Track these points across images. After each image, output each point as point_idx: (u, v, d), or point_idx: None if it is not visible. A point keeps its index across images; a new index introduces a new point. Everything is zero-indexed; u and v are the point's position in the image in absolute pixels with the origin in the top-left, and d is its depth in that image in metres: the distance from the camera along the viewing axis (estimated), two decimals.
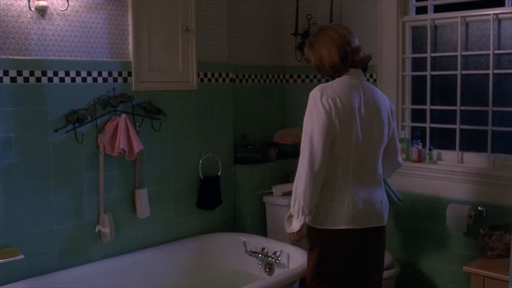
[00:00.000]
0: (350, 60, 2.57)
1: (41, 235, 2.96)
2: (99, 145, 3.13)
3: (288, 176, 3.98)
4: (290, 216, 2.57)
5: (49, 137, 2.95)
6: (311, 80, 4.31)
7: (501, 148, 3.57)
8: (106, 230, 3.15)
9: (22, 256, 2.82)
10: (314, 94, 2.50)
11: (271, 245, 3.50)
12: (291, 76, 4.37)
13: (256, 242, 3.57)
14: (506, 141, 3.57)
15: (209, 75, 3.69)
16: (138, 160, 3.28)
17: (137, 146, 3.16)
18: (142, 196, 3.31)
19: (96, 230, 3.16)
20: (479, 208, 3.52)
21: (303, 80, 4.34)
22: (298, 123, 4.31)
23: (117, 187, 3.26)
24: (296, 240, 2.60)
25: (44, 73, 2.92)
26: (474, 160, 3.66)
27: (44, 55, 2.93)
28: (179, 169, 3.55)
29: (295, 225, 2.53)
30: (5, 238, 2.82)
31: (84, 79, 3.08)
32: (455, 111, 3.70)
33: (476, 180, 3.58)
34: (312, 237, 2.60)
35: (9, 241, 2.84)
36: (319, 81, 4.27)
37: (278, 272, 3.35)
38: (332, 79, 2.61)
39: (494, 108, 3.54)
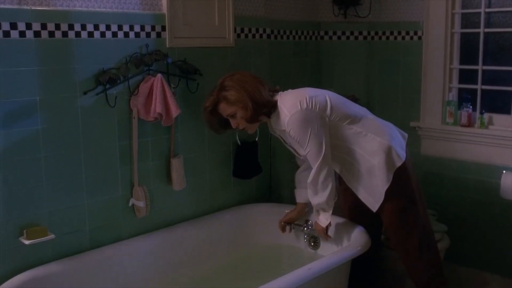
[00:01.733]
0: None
1: (71, 211, 2.63)
2: (132, 109, 2.78)
3: None
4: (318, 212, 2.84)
5: (77, 100, 2.59)
6: (348, 37, 3.96)
7: None
8: (141, 204, 2.83)
9: (53, 236, 2.50)
10: (293, 119, 2.67)
11: (314, 217, 3.19)
12: (326, 33, 4.00)
13: None
14: None
15: (246, 30, 3.32)
16: (173, 125, 2.94)
17: (175, 111, 2.81)
18: (178, 166, 2.98)
19: (130, 204, 2.84)
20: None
21: (339, 37, 3.98)
22: (333, 85, 4.01)
23: (151, 156, 2.92)
24: (327, 236, 2.89)
25: (71, 27, 2.54)
26: None
27: (70, 5, 2.54)
28: (215, 134, 3.21)
29: (326, 218, 2.80)
30: (33, 215, 2.49)
31: (114, 34, 2.70)
32: (508, 71, 3.39)
33: None
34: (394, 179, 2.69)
35: (38, 219, 2.51)
36: (356, 38, 3.93)
37: (324, 247, 3.07)
38: (262, 118, 2.80)
39: None
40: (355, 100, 3.84)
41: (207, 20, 3.09)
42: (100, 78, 2.63)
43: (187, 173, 3.05)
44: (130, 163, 2.82)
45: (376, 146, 2.69)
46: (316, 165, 2.66)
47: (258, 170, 3.40)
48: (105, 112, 2.69)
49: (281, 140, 2.92)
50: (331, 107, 2.67)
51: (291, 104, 2.64)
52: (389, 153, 2.68)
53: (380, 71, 3.88)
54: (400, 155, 2.72)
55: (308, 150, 2.65)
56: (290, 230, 3.17)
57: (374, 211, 2.75)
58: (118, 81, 2.68)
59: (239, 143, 3.31)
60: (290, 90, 2.81)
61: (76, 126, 2.60)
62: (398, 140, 2.78)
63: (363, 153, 2.71)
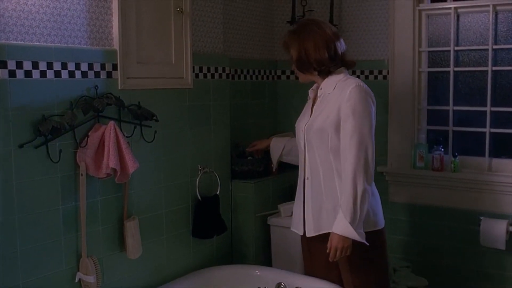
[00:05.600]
0: (340, 59, 2.44)
1: None
2: (79, 164, 2.29)
3: (293, 192, 3.30)
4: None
5: (11, 154, 2.08)
6: None
7: None
8: (90, 279, 2.32)
9: None
10: (361, 87, 2.35)
11: (289, 279, 2.79)
12: (283, 72, 3.69)
13: (268, 275, 2.86)
14: None
15: (204, 69, 2.93)
16: (127, 182, 2.48)
17: (132, 165, 2.35)
18: (133, 229, 2.50)
19: (77, 280, 2.32)
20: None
21: (296, 77, 3.66)
22: (290, 128, 3.68)
23: (102, 219, 2.43)
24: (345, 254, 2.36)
25: (3, 64, 2.04)
26: (504, 167, 3.20)
27: (2, 38, 2.05)
28: (172, 189, 2.78)
29: (354, 234, 2.29)
30: None
31: (57, 73, 2.22)
32: (482, 112, 3.22)
33: (510, 190, 3.13)
34: (373, 242, 2.37)
35: None
36: None
37: None
38: (314, 75, 2.47)
39: None
40: None
41: (163, 57, 2.68)
42: (40, 127, 2.13)
43: (142, 236, 2.57)
44: (76, 230, 2.32)
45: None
46: (357, 152, 2.29)
47: (222, 227, 2.98)
48: (46, 169, 2.19)
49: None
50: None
51: (361, 83, 2.39)
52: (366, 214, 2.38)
53: None
54: (379, 219, 2.47)
55: (356, 129, 2.30)
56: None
57: (308, 235, 2.49)
58: (63, 130, 2.20)
59: (200, 198, 2.88)
60: None
61: (9, 187, 2.08)
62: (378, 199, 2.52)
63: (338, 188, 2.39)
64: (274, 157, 2.95)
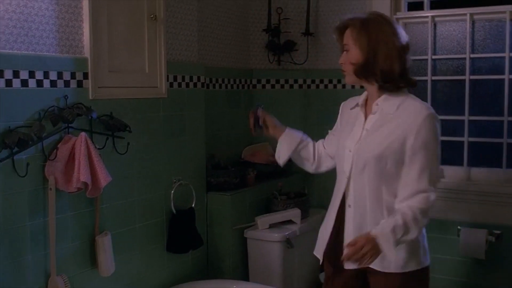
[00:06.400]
0: (407, 77, 2.03)
1: None
2: (48, 178, 2.17)
3: (270, 203, 3.23)
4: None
5: None
6: (282, 86, 3.61)
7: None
8: None
9: None
10: (433, 116, 1.97)
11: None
12: (258, 81, 3.62)
13: None
14: None
15: (179, 78, 2.84)
16: (99, 196, 2.36)
17: (105, 178, 2.25)
18: (105, 246, 2.39)
19: None
20: (494, 231, 3.06)
21: (272, 86, 3.61)
22: (266, 138, 3.59)
23: (72, 235, 2.31)
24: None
25: None
26: (483, 176, 3.18)
27: None
28: (146, 203, 2.67)
29: (391, 250, 1.91)
30: None
31: (24, 82, 2.11)
32: (460, 121, 3.20)
33: (489, 199, 3.11)
34: (422, 281, 2.11)
35: None
36: (291, 87, 3.59)
37: None
38: (371, 84, 2.04)
39: (510, 118, 3.08)
40: None
41: (136, 66, 2.58)
42: (5, 140, 2.01)
43: (115, 252, 2.46)
44: (45, 247, 2.20)
45: None
46: (427, 190, 1.94)
47: (197, 241, 2.88)
48: (12, 183, 2.07)
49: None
50: None
51: (431, 109, 2.01)
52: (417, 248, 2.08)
53: (319, 122, 3.54)
54: (428, 256, 2.15)
55: (427, 166, 1.94)
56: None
57: (346, 267, 2.04)
58: (30, 142, 2.08)
59: (174, 211, 2.78)
60: None
61: None
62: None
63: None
64: (287, 149, 2.30)
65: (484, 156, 3.22)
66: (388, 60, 1.95)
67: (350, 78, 2.06)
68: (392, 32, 1.97)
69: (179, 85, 2.84)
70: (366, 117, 2.07)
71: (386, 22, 1.99)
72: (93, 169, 2.22)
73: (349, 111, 2.17)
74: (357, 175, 2.03)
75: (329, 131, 2.35)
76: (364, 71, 1.99)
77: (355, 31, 1.98)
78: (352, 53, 1.99)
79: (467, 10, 3.10)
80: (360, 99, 2.13)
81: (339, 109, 2.29)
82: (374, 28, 1.97)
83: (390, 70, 1.96)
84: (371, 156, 1.97)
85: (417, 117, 1.94)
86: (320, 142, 2.36)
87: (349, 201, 2.06)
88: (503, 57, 3.05)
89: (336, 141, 2.19)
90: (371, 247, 1.87)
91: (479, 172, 3.19)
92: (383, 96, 2.02)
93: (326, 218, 2.20)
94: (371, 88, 2.05)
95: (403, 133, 1.94)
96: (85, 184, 2.21)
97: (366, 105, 2.10)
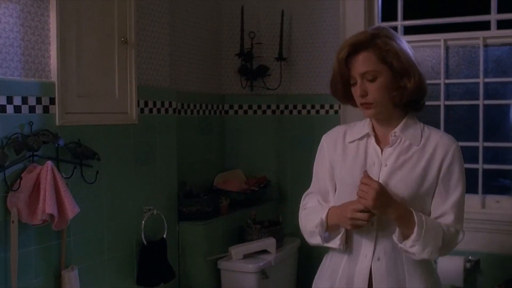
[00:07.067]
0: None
1: None
2: (10, 210, 2.03)
3: (244, 232, 3.13)
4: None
5: None
6: (255, 112, 3.53)
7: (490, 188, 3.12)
8: None
9: None
10: (459, 149, 1.80)
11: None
12: (231, 107, 3.54)
13: None
14: (496, 181, 3.14)
15: (150, 104, 2.74)
16: (65, 228, 2.22)
17: (72, 210, 2.12)
18: (72, 281, 2.24)
19: None
20: (470, 257, 3.03)
21: (245, 112, 3.54)
22: (239, 164, 3.52)
23: (36, 271, 2.16)
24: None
25: None
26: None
27: None
28: (115, 234, 2.54)
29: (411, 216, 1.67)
30: None
31: None
32: None
33: (465, 225, 3.07)
34: None
35: None
36: (264, 113, 3.52)
37: None
38: (392, 111, 1.78)
39: (485, 144, 3.07)
40: (267, 182, 3.39)
41: (106, 90, 2.48)
42: None
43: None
44: (5, 283, 2.04)
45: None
46: (459, 230, 1.77)
47: (169, 274, 2.75)
48: None
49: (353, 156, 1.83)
50: None
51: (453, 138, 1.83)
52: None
53: (292, 148, 3.48)
54: None
55: (462, 201, 1.76)
56: None
57: None
58: None
59: (145, 242, 2.65)
60: None
61: None
62: None
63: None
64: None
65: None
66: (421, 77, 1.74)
67: (372, 113, 1.76)
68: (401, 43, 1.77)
69: (150, 110, 2.73)
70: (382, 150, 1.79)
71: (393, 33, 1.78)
72: (60, 200, 2.09)
73: (344, 145, 1.85)
74: (383, 221, 1.73)
75: (308, 192, 1.96)
76: (418, 94, 1.75)
77: (382, 52, 1.71)
78: (384, 78, 1.72)
79: (441, 36, 3.10)
80: (365, 128, 1.83)
81: (320, 146, 1.94)
82: (396, 43, 1.74)
83: (421, 88, 1.74)
84: (404, 198, 1.71)
85: (447, 149, 1.76)
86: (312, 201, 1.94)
87: (378, 253, 1.75)
88: (477, 83, 3.05)
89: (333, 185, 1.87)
90: (385, 202, 1.65)
91: None
92: (401, 125, 1.77)
93: (327, 277, 1.87)
94: (387, 113, 1.77)
95: (431, 166, 1.74)
96: (51, 216, 2.07)
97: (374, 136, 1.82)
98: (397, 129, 1.77)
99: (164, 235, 2.75)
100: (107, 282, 2.49)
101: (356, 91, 1.76)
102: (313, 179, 1.95)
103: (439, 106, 3.14)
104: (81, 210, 2.22)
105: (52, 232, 2.19)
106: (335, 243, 1.79)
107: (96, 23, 2.41)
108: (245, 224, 3.15)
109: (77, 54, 2.31)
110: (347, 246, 1.80)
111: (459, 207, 1.76)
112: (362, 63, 1.72)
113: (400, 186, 1.72)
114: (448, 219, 1.74)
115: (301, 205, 1.95)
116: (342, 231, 1.77)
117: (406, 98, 1.72)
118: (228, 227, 3.10)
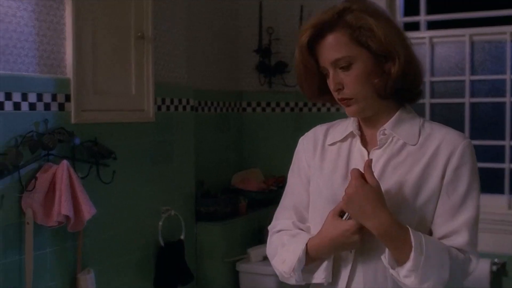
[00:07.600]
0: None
1: None
2: (25, 211, 1.96)
3: (263, 233, 3.04)
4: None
5: None
6: (273, 109, 3.45)
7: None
8: None
9: None
10: (471, 144, 1.37)
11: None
12: (249, 104, 3.46)
13: None
14: None
15: (167, 101, 2.67)
16: (82, 230, 2.15)
17: (89, 211, 2.05)
18: (88, 284, 2.17)
19: None
20: (496, 260, 2.93)
21: (263, 109, 3.46)
22: (257, 163, 3.44)
23: (51, 274, 2.09)
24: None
25: None
26: (486, 203, 3.05)
27: None
28: (132, 236, 2.47)
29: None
30: None
31: (0, 105, 1.91)
32: None
33: (492, 227, 2.98)
34: None
35: None
36: (283, 110, 3.44)
37: None
38: (380, 104, 1.35)
39: None
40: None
41: (122, 88, 2.41)
42: None
43: None
44: (20, 287, 1.98)
45: None
46: (472, 254, 1.34)
47: (187, 276, 2.68)
48: None
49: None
50: None
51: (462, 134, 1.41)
52: None
53: None
54: None
55: (476, 209, 1.36)
56: None
57: None
58: (5, 172, 1.88)
59: (162, 244, 2.58)
60: None
61: None
62: None
63: None
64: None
65: (484, 181, 3.09)
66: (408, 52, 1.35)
67: (355, 110, 1.35)
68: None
69: (168, 108, 2.66)
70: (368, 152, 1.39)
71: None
72: (76, 200, 2.02)
73: (325, 148, 1.45)
74: (367, 247, 1.33)
75: (281, 207, 1.51)
76: (400, 81, 1.33)
77: (375, 26, 1.30)
78: (361, 63, 1.32)
79: (466, 31, 3.00)
80: (349, 126, 1.42)
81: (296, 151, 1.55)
82: (383, 18, 1.34)
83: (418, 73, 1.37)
84: (396, 212, 1.29)
85: (454, 148, 1.34)
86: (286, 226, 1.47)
87: (356, 284, 1.35)
88: (504, 79, 2.95)
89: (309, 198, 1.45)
90: (357, 205, 1.26)
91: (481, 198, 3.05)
92: (392, 120, 1.37)
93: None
94: (373, 108, 1.36)
95: (436, 173, 1.34)
96: (67, 217, 2.00)
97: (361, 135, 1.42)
98: (387, 126, 1.36)
99: (182, 236, 2.68)
100: (124, 285, 2.43)
101: (329, 84, 1.36)
102: (286, 191, 1.51)
103: (463, 103, 3.05)
104: (97, 211, 2.15)
105: (67, 234, 2.13)
106: (319, 277, 1.38)
107: (113, 18, 2.34)
108: (265, 224, 3.06)
109: (93, 49, 2.24)
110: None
111: (474, 224, 1.34)
112: (331, 48, 1.32)
113: (391, 197, 1.32)
114: (459, 240, 1.32)
115: (271, 224, 1.50)
116: (327, 260, 1.36)
117: (391, 86, 1.32)
118: (247, 228, 3.02)
